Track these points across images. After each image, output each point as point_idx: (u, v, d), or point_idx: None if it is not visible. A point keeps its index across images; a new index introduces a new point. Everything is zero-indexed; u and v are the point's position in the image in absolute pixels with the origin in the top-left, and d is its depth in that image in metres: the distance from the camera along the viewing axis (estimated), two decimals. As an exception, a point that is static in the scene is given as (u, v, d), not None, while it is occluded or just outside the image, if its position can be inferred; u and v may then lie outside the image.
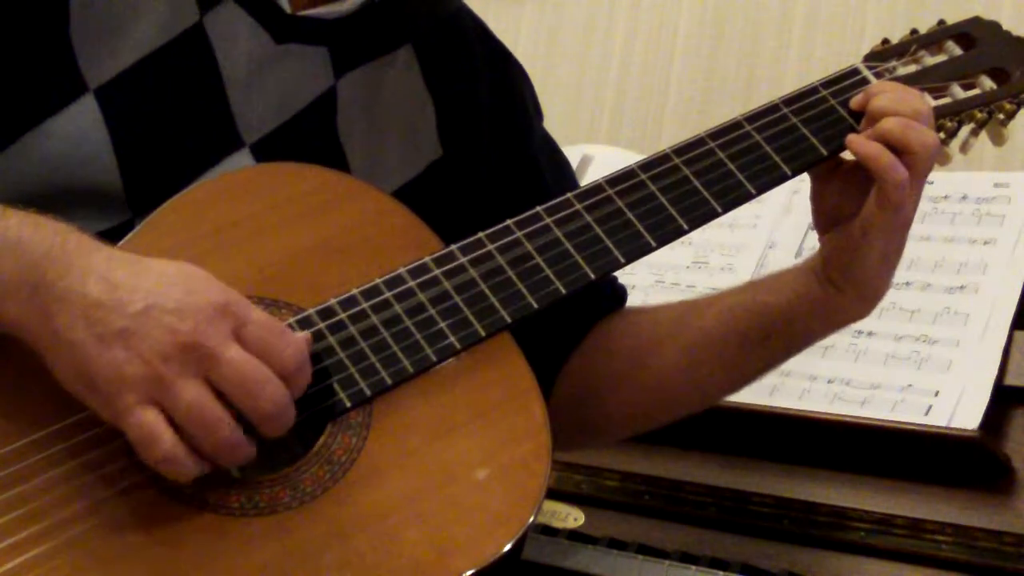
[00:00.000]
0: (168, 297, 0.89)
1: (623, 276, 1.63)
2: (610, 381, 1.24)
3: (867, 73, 1.20)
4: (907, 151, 1.09)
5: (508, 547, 0.91)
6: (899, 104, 1.12)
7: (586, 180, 1.15)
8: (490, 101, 1.28)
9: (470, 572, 0.90)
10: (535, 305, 1.04)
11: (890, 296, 1.43)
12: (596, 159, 1.86)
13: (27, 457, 0.90)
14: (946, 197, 1.53)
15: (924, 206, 1.53)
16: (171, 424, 0.88)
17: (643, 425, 1.29)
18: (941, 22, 1.26)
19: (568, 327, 1.24)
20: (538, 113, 1.35)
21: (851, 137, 1.13)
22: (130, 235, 1.01)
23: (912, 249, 1.48)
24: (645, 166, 1.12)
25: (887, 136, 1.10)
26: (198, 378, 0.88)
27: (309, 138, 1.15)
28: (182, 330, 0.88)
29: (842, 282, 1.15)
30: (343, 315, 1.00)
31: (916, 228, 1.50)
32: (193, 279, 0.91)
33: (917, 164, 1.10)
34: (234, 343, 0.89)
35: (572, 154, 1.84)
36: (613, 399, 1.23)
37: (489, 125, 1.27)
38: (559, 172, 1.32)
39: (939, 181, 1.54)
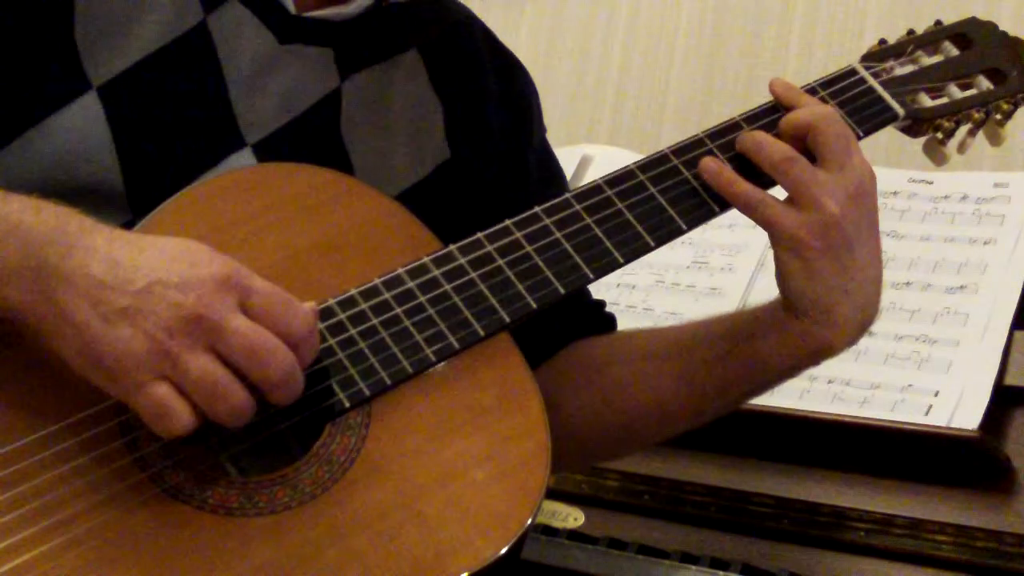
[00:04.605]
0: (171, 272, 0.88)
1: (623, 275, 1.63)
2: (569, 388, 1.20)
3: (864, 73, 1.20)
4: (809, 130, 1.09)
5: (508, 547, 0.91)
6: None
7: (586, 180, 1.14)
8: (498, 108, 1.28)
9: (470, 572, 0.90)
10: (534, 305, 1.04)
11: (890, 296, 1.43)
12: (596, 159, 1.85)
13: (29, 455, 0.89)
14: (946, 197, 1.53)
15: (924, 206, 1.53)
16: (183, 396, 0.88)
17: (603, 444, 1.24)
18: (938, 22, 1.26)
19: (541, 341, 1.19)
20: (540, 126, 1.35)
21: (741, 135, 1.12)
22: (129, 234, 1.01)
23: (912, 249, 1.49)
24: (644, 166, 1.11)
25: (795, 124, 1.10)
26: (206, 350, 0.88)
27: (312, 139, 1.15)
28: (186, 304, 0.87)
29: (792, 304, 1.09)
30: (342, 315, 0.99)
31: (916, 228, 1.52)
32: (195, 253, 0.91)
33: (819, 143, 1.08)
34: (239, 314, 0.89)
35: (572, 154, 1.84)
36: (569, 406, 1.19)
37: (496, 131, 1.27)
38: (547, 183, 1.30)
39: (939, 181, 1.54)
